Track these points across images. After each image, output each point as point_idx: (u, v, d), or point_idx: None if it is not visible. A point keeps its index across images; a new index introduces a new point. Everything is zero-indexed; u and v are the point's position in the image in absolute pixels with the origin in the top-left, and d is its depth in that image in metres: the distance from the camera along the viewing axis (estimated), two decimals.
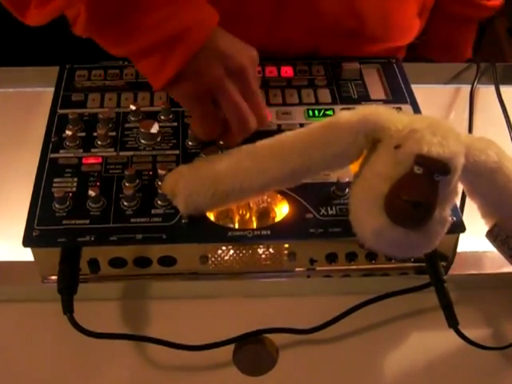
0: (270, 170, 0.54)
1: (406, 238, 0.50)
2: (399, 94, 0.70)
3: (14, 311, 0.57)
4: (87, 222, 0.56)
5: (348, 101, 0.69)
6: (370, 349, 0.57)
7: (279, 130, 0.65)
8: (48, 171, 0.60)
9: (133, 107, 0.65)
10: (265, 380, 0.54)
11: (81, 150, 0.62)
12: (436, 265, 0.56)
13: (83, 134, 0.64)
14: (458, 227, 0.57)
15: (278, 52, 0.75)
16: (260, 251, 0.57)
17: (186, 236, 0.55)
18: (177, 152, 0.62)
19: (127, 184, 0.58)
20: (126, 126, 0.65)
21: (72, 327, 0.52)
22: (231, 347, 0.55)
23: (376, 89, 0.71)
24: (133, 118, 0.66)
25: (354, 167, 0.57)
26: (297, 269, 0.59)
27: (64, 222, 0.55)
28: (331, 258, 0.58)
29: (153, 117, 0.66)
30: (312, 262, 0.58)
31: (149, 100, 0.68)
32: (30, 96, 0.76)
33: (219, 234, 0.56)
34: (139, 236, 0.55)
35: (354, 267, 0.59)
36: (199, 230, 0.56)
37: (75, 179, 0.59)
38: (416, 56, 0.93)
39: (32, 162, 0.61)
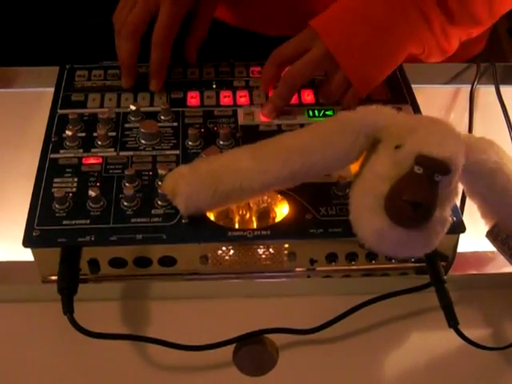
0: (270, 170, 0.54)
1: (407, 238, 0.50)
2: (399, 94, 0.70)
3: (14, 311, 0.57)
4: (87, 222, 0.56)
5: None
6: (370, 349, 0.57)
7: (279, 130, 0.65)
8: (48, 171, 0.60)
9: (133, 107, 0.65)
10: (265, 380, 0.54)
11: (81, 150, 0.62)
12: (436, 265, 0.56)
13: (83, 134, 0.64)
14: (458, 227, 0.57)
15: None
16: (260, 251, 0.57)
17: (186, 236, 0.55)
18: (177, 152, 0.62)
19: (127, 184, 0.58)
20: (126, 126, 0.65)
21: (72, 327, 0.52)
22: (231, 347, 0.55)
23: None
24: (133, 118, 0.66)
25: (354, 167, 0.57)
26: (297, 269, 0.59)
27: (64, 222, 0.55)
28: (331, 258, 0.58)
29: (153, 117, 0.66)
30: (312, 262, 0.58)
31: (149, 100, 0.68)
32: (30, 96, 0.76)
33: (219, 234, 0.56)
34: (139, 236, 0.55)
35: (354, 267, 0.59)
36: (199, 230, 0.56)
37: (75, 179, 0.59)
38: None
39: (32, 162, 0.61)
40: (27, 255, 0.55)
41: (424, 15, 0.64)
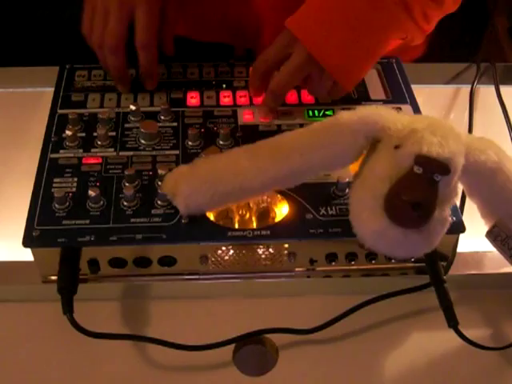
0: (270, 170, 0.54)
1: (406, 238, 0.50)
2: (399, 94, 0.70)
3: (14, 311, 0.57)
4: (87, 222, 0.56)
5: (348, 101, 0.69)
6: (370, 349, 0.57)
7: (279, 130, 0.65)
8: (48, 171, 0.60)
9: (133, 107, 0.65)
10: (265, 380, 0.54)
11: (81, 150, 0.62)
12: (436, 265, 0.56)
13: (83, 134, 0.64)
14: (458, 227, 0.57)
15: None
16: (260, 251, 0.57)
17: (186, 236, 0.55)
18: (177, 152, 0.62)
19: (127, 184, 0.58)
20: (126, 126, 0.65)
21: (72, 327, 0.52)
22: (231, 347, 0.55)
23: (376, 89, 0.71)
24: (133, 118, 0.66)
25: (353, 167, 0.57)
26: (297, 269, 0.59)
27: (64, 222, 0.55)
28: (331, 258, 0.58)
29: (153, 117, 0.66)
30: (312, 262, 0.58)
31: (149, 100, 0.68)
32: (30, 96, 0.76)
33: (219, 233, 0.56)
34: (139, 236, 0.55)
35: (353, 267, 0.59)
36: (199, 229, 0.56)
37: (75, 179, 0.59)
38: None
39: (32, 162, 0.61)
40: (27, 255, 0.55)
41: (403, 3, 0.62)
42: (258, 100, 0.68)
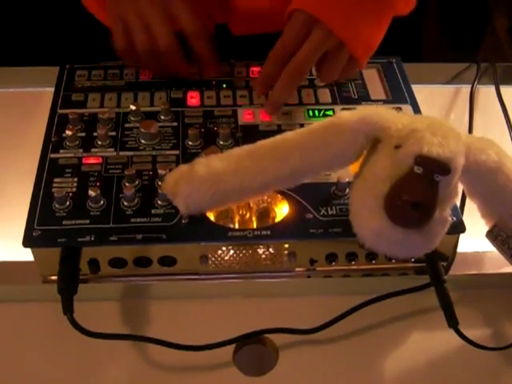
0: (270, 170, 0.54)
1: (406, 238, 0.50)
2: (399, 94, 0.70)
3: (14, 311, 0.57)
4: (87, 222, 0.56)
5: (348, 101, 0.69)
6: (370, 349, 0.57)
7: (279, 130, 0.65)
8: (48, 171, 0.60)
9: (133, 107, 0.65)
10: (265, 380, 0.54)
11: (81, 150, 0.62)
12: (436, 265, 0.56)
13: (83, 134, 0.64)
14: (458, 227, 0.57)
15: None
16: (260, 251, 0.57)
17: (186, 236, 0.55)
18: (177, 152, 0.62)
19: (127, 184, 0.58)
20: (126, 125, 0.65)
21: (72, 327, 0.52)
22: (231, 347, 0.55)
23: (376, 89, 0.71)
24: (133, 118, 0.66)
25: (353, 167, 0.57)
26: (297, 269, 0.59)
27: (64, 222, 0.55)
28: (331, 258, 0.58)
29: (153, 117, 0.66)
30: (312, 262, 0.58)
31: (149, 100, 0.68)
32: (30, 96, 0.76)
33: (219, 233, 0.56)
34: (139, 236, 0.55)
35: (354, 267, 0.59)
36: (199, 229, 0.56)
37: (75, 179, 0.59)
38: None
39: (32, 162, 0.61)
40: (27, 255, 0.55)
41: None
42: (260, 99, 0.68)
